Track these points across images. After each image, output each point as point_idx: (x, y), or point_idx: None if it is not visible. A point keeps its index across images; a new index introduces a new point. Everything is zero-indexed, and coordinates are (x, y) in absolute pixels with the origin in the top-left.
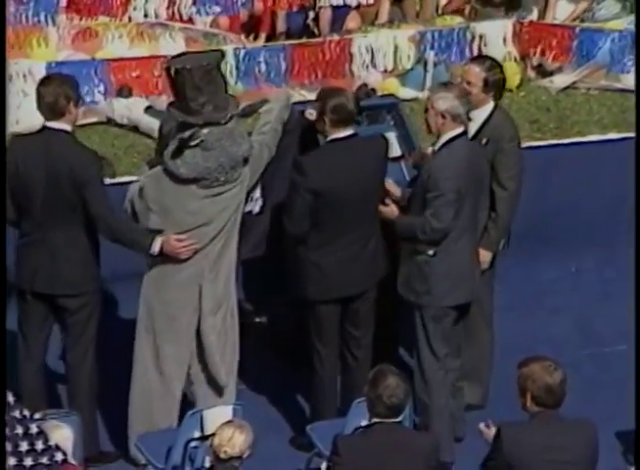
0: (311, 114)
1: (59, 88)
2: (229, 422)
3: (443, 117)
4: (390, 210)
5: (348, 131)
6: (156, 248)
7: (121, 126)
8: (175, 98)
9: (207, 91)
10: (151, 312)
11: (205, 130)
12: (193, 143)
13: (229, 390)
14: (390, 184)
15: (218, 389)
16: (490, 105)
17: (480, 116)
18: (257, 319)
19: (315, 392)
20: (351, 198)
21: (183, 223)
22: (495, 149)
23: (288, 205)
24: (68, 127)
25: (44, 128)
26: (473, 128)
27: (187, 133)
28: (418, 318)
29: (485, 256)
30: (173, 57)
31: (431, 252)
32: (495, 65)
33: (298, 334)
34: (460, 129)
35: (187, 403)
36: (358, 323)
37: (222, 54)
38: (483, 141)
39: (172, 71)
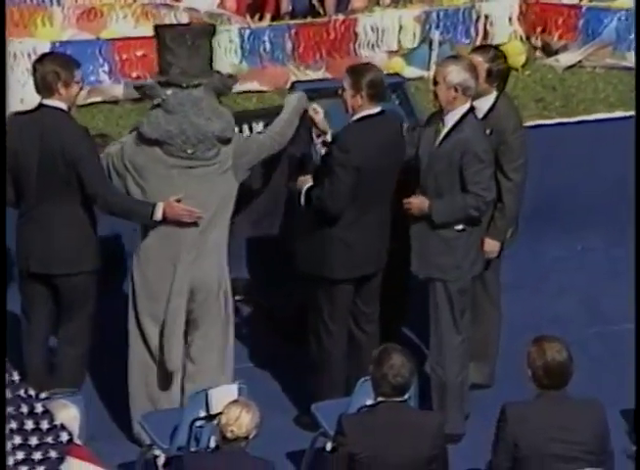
0: (315, 109)
1: (48, 66)
2: (236, 401)
3: (455, 90)
4: (420, 203)
5: (379, 107)
6: (158, 214)
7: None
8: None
9: (178, 53)
10: (134, 291)
11: (168, 91)
12: (155, 102)
13: (218, 368)
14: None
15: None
16: (494, 95)
17: (483, 106)
18: (250, 295)
19: (324, 370)
20: (381, 174)
21: (158, 192)
22: (499, 140)
23: (331, 184)
24: (62, 105)
25: (40, 106)
26: None
27: (152, 91)
28: (442, 294)
29: (493, 245)
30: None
31: (460, 226)
32: (499, 54)
33: (300, 314)
34: (468, 104)
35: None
36: (370, 300)
37: (213, 27)
38: (487, 131)
39: (154, 31)
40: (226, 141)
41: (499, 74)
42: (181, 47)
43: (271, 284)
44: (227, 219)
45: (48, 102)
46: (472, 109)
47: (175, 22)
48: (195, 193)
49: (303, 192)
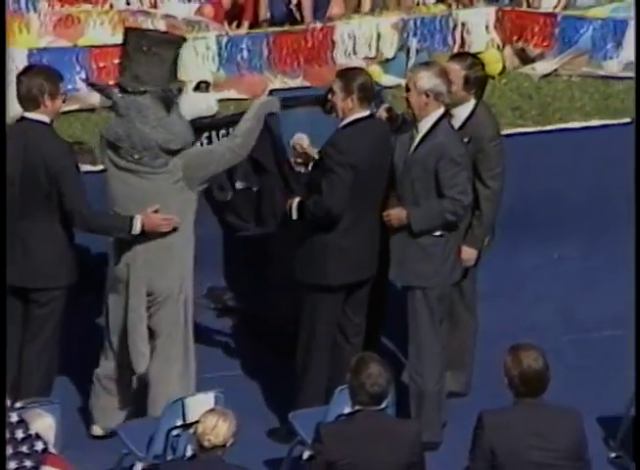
0: (301, 138)
1: (33, 79)
2: (212, 410)
3: (427, 95)
4: (398, 214)
5: (369, 111)
6: (137, 227)
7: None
8: None
9: (135, 58)
10: (107, 290)
11: (119, 94)
12: (109, 104)
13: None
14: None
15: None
16: (472, 103)
17: (461, 114)
18: (230, 304)
19: (308, 380)
20: (374, 177)
21: (115, 193)
22: (477, 148)
23: (330, 184)
24: (45, 119)
25: (22, 119)
26: (455, 126)
27: (106, 93)
28: (421, 301)
29: (470, 253)
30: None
31: (438, 232)
32: (476, 62)
33: (281, 323)
34: (442, 110)
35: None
36: (359, 309)
37: (179, 39)
38: (465, 139)
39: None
40: (171, 152)
41: (476, 82)
42: (137, 52)
43: (252, 293)
44: (186, 229)
45: (31, 115)
46: (445, 114)
47: (152, 28)
48: (144, 198)
49: (294, 206)
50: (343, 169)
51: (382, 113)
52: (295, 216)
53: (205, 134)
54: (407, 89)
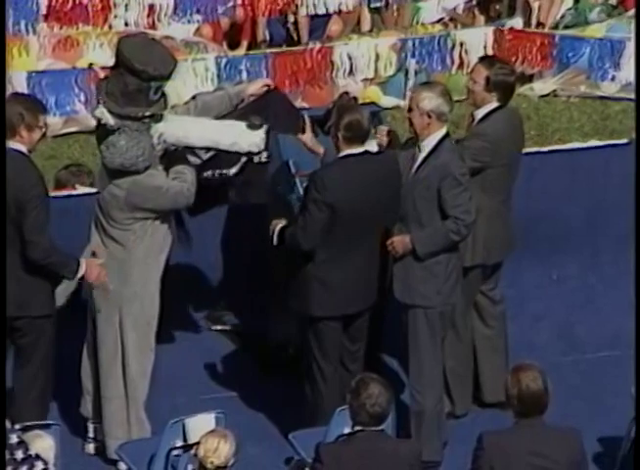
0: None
1: (14, 107)
2: (212, 432)
3: (429, 116)
4: (401, 240)
5: (361, 148)
6: (79, 272)
7: None
8: None
9: (111, 71)
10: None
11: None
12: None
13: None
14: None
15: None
16: (492, 105)
17: (479, 114)
18: (230, 325)
19: (314, 407)
20: (362, 214)
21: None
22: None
23: (303, 219)
24: (22, 148)
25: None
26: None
27: None
28: (423, 321)
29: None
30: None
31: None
32: (503, 66)
33: (281, 344)
34: (444, 130)
35: (168, 411)
36: (356, 338)
37: (148, 73)
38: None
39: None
40: (113, 170)
41: (498, 85)
42: (116, 65)
43: (251, 314)
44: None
45: (9, 143)
46: (447, 134)
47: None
48: (102, 193)
49: (276, 231)
50: (317, 208)
51: (382, 136)
52: (275, 242)
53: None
54: (409, 109)
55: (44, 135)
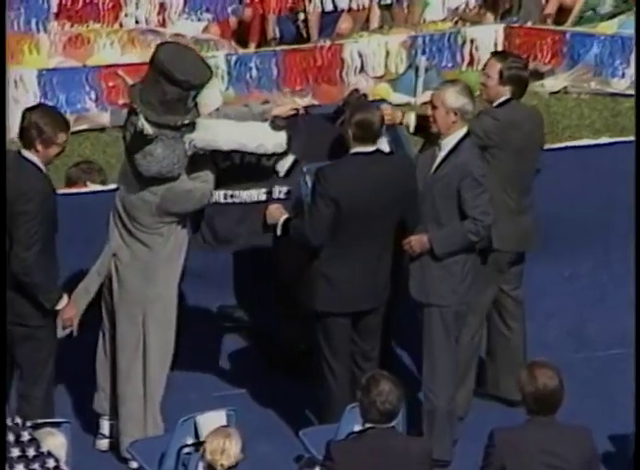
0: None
1: (35, 120)
2: (216, 431)
3: (455, 114)
4: (419, 239)
5: (372, 147)
6: (59, 305)
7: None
8: None
9: (148, 75)
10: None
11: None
12: (118, 123)
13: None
14: None
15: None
16: (505, 97)
17: (494, 105)
18: (241, 322)
19: (325, 405)
20: (369, 212)
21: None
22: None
23: (311, 215)
24: (36, 160)
25: (18, 153)
26: None
27: None
28: (438, 319)
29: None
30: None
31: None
32: (516, 60)
33: (292, 342)
34: (465, 129)
35: (179, 409)
36: (367, 337)
37: (191, 84)
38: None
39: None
40: (148, 177)
41: (512, 78)
42: (152, 73)
43: (262, 311)
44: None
45: (25, 153)
46: (468, 133)
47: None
48: (127, 197)
49: (280, 223)
50: (324, 202)
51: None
52: (279, 233)
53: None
54: (433, 107)
55: (62, 151)
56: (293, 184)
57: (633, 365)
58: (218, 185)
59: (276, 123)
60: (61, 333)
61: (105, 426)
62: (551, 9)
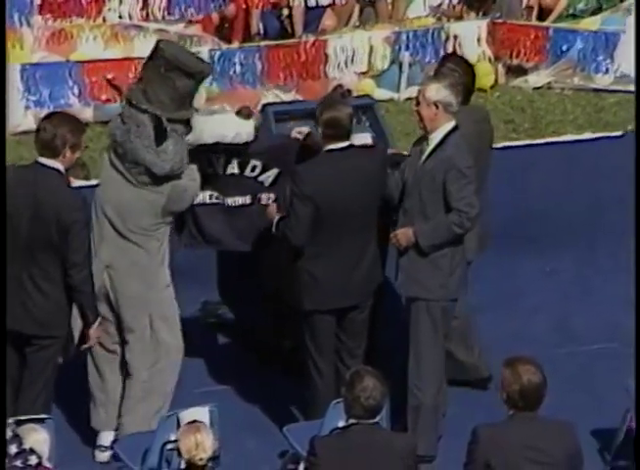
0: (300, 132)
1: (59, 129)
2: (184, 430)
3: (436, 106)
4: (405, 233)
5: (344, 143)
6: (96, 321)
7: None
8: None
9: (149, 74)
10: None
11: (124, 101)
12: (102, 119)
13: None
14: None
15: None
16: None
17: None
18: (224, 318)
19: (311, 402)
20: (348, 208)
21: (101, 190)
22: None
23: (289, 216)
24: (60, 167)
25: (36, 163)
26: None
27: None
28: (424, 314)
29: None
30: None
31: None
32: (460, 68)
33: (275, 337)
34: (452, 123)
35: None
36: (353, 333)
37: (201, 73)
38: None
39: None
40: (157, 177)
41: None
42: (154, 70)
43: (245, 307)
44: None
45: (45, 161)
46: (456, 127)
47: (146, 43)
48: (117, 204)
49: (275, 222)
50: (301, 202)
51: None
52: (274, 231)
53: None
54: (417, 102)
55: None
56: (280, 191)
57: (623, 359)
58: (202, 187)
59: (243, 113)
60: (84, 346)
61: (104, 438)
62: (533, 3)
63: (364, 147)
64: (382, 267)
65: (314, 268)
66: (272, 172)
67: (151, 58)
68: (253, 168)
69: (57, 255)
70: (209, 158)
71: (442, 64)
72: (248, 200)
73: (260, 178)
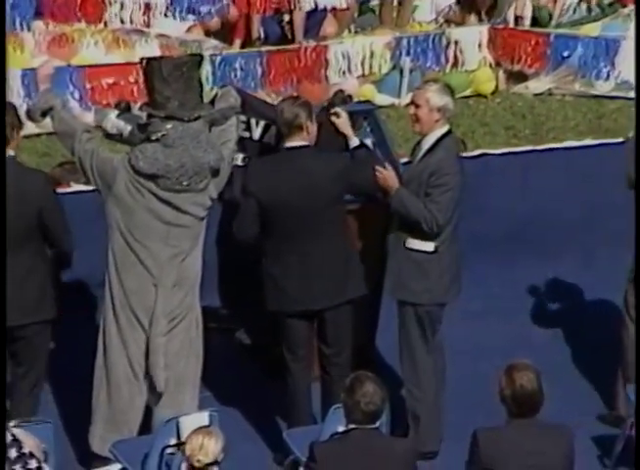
0: (337, 114)
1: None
2: (196, 430)
3: (439, 112)
4: (389, 174)
5: (298, 142)
6: None
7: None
8: (147, 93)
9: (175, 87)
10: (114, 306)
11: (168, 125)
12: (154, 137)
13: (189, 399)
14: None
15: (173, 397)
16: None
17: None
18: (228, 325)
19: (288, 402)
20: (298, 210)
21: (143, 224)
22: None
23: (238, 212)
24: (11, 152)
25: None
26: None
27: (150, 126)
28: (411, 317)
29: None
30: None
31: (430, 248)
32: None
33: (272, 342)
34: (446, 128)
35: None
36: (327, 341)
37: (201, 57)
38: None
39: (144, 64)
40: (217, 172)
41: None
42: (178, 80)
43: (245, 312)
44: (201, 249)
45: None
46: (449, 132)
47: (147, 48)
48: (173, 218)
49: None
50: (244, 196)
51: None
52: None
53: None
54: (416, 106)
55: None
56: None
57: (621, 366)
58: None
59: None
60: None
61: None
62: (526, 12)
63: (327, 154)
64: (371, 273)
65: (272, 269)
66: None
67: (163, 75)
68: None
69: (35, 239)
70: (249, 122)
71: None
72: None
73: None
